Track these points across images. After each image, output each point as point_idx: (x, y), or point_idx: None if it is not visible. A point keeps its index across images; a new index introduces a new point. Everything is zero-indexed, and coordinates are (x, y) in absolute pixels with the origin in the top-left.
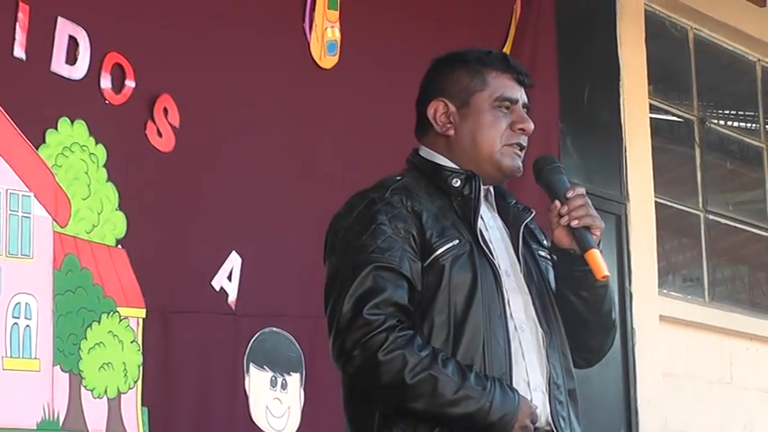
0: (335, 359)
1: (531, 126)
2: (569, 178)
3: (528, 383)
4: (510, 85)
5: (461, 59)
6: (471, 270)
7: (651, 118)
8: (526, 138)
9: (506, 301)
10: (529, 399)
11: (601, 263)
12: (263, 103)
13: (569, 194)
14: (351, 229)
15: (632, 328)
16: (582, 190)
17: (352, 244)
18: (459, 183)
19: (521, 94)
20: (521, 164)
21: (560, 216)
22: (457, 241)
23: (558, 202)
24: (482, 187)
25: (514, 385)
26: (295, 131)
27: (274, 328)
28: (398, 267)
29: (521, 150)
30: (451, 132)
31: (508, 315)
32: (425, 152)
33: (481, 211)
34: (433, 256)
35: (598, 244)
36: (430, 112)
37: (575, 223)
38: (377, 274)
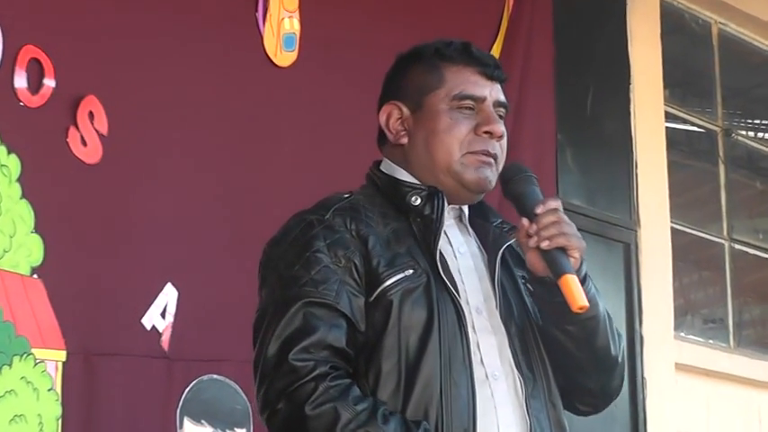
0: (260, 411)
1: (500, 129)
2: (565, 198)
3: None
4: (473, 80)
5: (417, 54)
6: (427, 307)
7: (667, 128)
8: (497, 144)
9: (474, 344)
10: None
11: (577, 291)
12: (207, 108)
13: (538, 210)
14: (283, 258)
15: (643, 377)
16: (555, 203)
17: (282, 275)
18: (419, 201)
19: (489, 91)
20: (489, 174)
21: (530, 236)
22: (411, 271)
23: (525, 220)
24: (447, 206)
25: None
26: (245, 141)
27: (215, 376)
28: (334, 303)
29: (490, 158)
30: (405, 140)
31: (476, 361)
32: (386, 165)
33: (450, 235)
34: (379, 290)
35: (579, 268)
36: (382, 119)
37: (545, 245)
38: (308, 311)
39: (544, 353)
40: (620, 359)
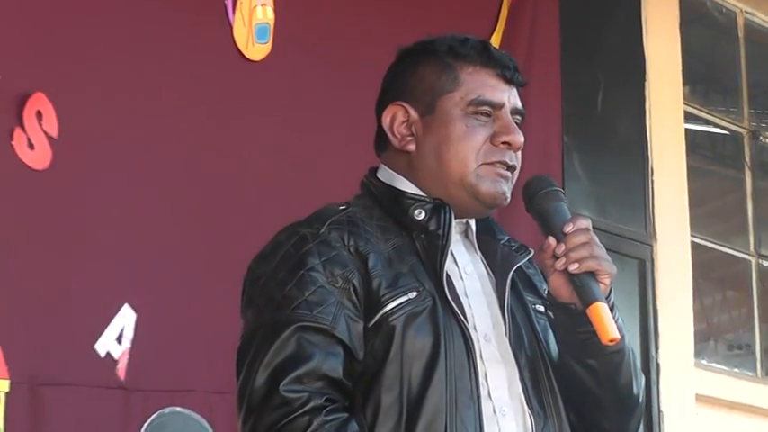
0: None
1: (520, 139)
2: (573, 208)
3: None
4: (492, 83)
5: (428, 50)
6: (433, 333)
7: (686, 130)
8: (514, 155)
9: (482, 376)
10: None
11: (608, 321)
12: (170, 107)
13: (567, 229)
14: (273, 276)
15: (660, 410)
16: (585, 223)
17: (273, 296)
18: (423, 215)
19: (508, 96)
20: (506, 189)
21: (556, 258)
22: (414, 294)
23: (552, 240)
24: (454, 221)
25: None
26: (213, 144)
27: (178, 408)
28: (331, 329)
29: (508, 171)
30: (412, 147)
31: (483, 394)
32: (384, 173)
33: (456, 253)
34: (380, 314)
35: (608, 296)
36: (385, 121)
37: (574, 268)
38: (301, 336)
39: (556, 387)
40: (640, 399)
